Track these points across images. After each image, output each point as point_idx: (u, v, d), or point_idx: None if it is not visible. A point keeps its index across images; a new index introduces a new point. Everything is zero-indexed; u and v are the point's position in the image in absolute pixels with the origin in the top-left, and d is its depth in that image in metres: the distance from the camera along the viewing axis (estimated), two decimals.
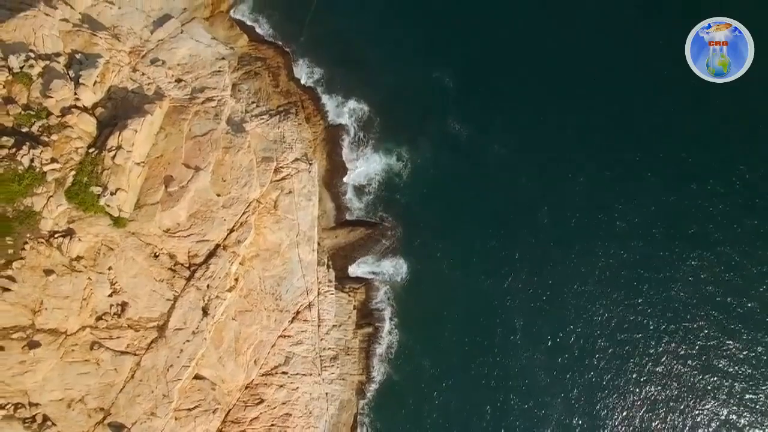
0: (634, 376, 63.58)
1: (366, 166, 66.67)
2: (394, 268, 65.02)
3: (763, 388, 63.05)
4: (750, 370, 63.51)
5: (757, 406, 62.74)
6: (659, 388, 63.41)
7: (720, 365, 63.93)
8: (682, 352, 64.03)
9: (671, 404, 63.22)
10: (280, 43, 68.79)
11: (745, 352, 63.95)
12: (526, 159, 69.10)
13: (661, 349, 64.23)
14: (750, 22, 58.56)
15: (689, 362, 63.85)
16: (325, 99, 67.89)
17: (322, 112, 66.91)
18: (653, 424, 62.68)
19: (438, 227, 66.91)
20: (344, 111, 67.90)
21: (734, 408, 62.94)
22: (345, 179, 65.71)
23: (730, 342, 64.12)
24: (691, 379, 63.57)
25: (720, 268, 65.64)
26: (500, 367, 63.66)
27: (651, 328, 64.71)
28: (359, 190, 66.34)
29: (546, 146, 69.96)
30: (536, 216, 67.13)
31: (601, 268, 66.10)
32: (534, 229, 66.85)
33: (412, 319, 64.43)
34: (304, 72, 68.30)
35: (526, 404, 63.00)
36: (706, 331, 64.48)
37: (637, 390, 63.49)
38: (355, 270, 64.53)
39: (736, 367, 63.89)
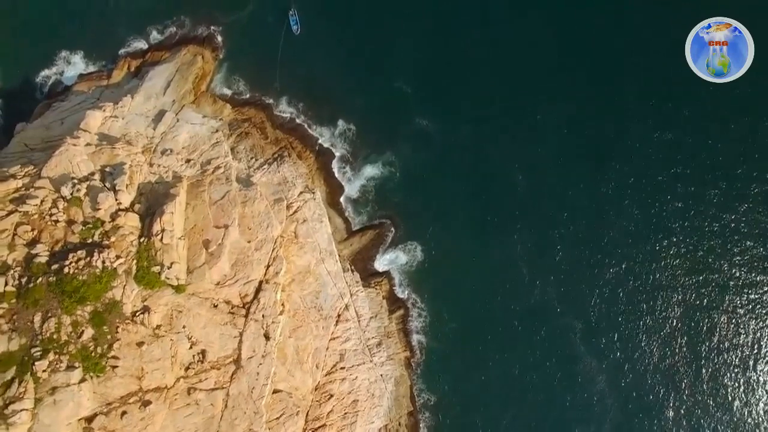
0: (631, 306, 73.77)
1: (359, 180, 75.72)
2: (407, 254, 74.25)
3: None
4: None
5: None
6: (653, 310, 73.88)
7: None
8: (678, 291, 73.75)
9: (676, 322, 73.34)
10: (258, 99, 77.21)
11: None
12: (493, 137, 77.68)
13: (651, 268, 74.60)
14: (750, 22, 60.36)
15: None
16: (309, 134, 76.35)
17: (309, 147, 75.51)
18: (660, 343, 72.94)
19: (434, 211, 76.02)
20: (328, 138, 76.68)
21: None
22: (344, 196, 75.02)
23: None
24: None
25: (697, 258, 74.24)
26: (516, 311, 73.19)
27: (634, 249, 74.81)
28: (358, 201, 75.44)
29: (521, 131, 78.19)
30: (513, 179, 76.26)
31: (576, 209, 75.71)
32: (514, 190, 76.14)
33: (434, 292, 73.61)
34: (285, 117, 76.80)
35: (545, 332, 72.84)
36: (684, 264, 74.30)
37: (636, 318, 73.49)
38: (375, 266, 73.90)
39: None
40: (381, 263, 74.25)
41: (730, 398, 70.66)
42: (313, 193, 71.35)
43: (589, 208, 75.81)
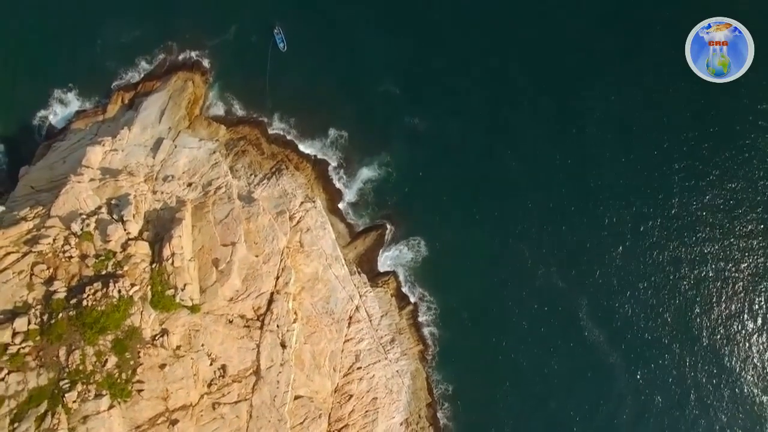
0: (637, 279, 76.03)
1: (356, 183, 77.44)
2: (411, 250, 76.20)
3: None
4: None
5: None
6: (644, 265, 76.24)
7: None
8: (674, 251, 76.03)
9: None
10: (251, 117, 78.55)
11: None
12: (483, 127, 79.55)
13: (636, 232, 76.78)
14: (750, 22, 60.99)
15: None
16: (303, 146, 77.88)
17: (305, 157, 77.13)
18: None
19: (433, 204, 77.79)
20: (322, 148, 78.20)
21: None
22: (344, 201, 76.81)
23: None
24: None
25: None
26: (522, 294, 75.15)
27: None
28: (358, 204, 77.17)
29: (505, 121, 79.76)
30: (507, 166, 77.86)
31: (572, 191, 77.75)
32: (508, 176, 77.88)
33: (441, 284, 75.53)
34: (279, 131, 78.29)
35: (553, 312, 74.89)
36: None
37: (644, 290, 75.70)
38: (380, 266, 75.87)
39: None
40: (386, 262, 76.18)
41: (746, 362, 73.02)
42: (314, 201, 73.06)
43: (585, 190, 77.77)
